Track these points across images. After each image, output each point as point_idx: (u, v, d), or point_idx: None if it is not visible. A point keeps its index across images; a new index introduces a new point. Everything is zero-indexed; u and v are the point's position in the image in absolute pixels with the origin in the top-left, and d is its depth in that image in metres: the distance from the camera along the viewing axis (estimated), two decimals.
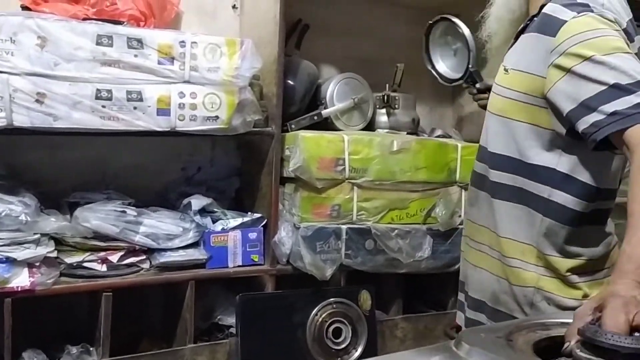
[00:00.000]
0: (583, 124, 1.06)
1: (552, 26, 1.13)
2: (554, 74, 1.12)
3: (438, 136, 2.31)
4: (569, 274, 1.20)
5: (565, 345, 0.75)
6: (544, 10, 1.17)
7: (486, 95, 1.59)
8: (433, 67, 1.90)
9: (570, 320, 0.81)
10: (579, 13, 1.11)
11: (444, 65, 1.89)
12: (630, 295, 0.78)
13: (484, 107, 1.65)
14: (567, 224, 1.19)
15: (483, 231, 1.31)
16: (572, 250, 1.20)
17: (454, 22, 1.77)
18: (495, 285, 1.28)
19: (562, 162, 1.17)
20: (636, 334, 0.73)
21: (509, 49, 1.30)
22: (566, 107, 1.09)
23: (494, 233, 1.27)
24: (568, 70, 1.09)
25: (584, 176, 1.17)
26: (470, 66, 1.68)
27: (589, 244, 1.22)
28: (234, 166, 2.21)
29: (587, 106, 1.05)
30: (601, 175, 1.18)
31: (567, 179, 1.17)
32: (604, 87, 1.04)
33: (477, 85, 1.69)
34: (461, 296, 1.43)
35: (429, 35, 1.88)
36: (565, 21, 1.11)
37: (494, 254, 1.28)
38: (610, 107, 1.02)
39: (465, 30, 1.70)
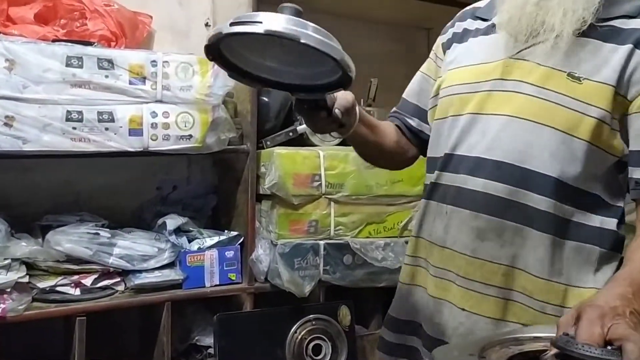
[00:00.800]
0: None
1: None
2: None
3: None
4: None
5: (545, 353, 0.76)
6: None
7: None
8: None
9: (543, 335, 0.82)
10: None
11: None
12: (609, 306, 0.76)
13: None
14: (619, 252, 1.05)
15: (517, 275, 1.04)
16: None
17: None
18: None
19: (605, 189, 1.05)
20: (608, 347, 0.73)
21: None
22: (634, 144, 0.99)
23: (539, 278, 1.03)
24: None
25: (622, 202, 1.07)
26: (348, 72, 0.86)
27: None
28: (210, 184, 2.20)
29: None
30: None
31: (610, 206, 1.05)
32: None
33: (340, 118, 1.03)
34: (417, 342, 1.13)
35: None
36: None
37: (534, 304, 1.03)
38: None
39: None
